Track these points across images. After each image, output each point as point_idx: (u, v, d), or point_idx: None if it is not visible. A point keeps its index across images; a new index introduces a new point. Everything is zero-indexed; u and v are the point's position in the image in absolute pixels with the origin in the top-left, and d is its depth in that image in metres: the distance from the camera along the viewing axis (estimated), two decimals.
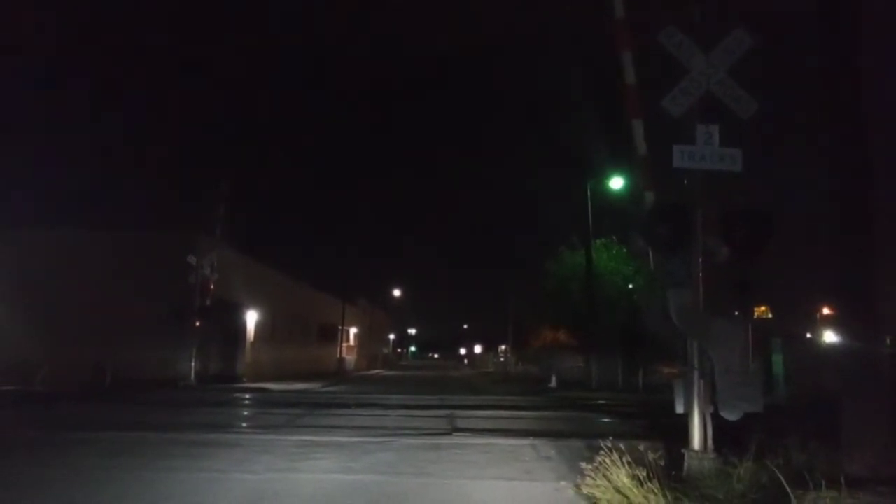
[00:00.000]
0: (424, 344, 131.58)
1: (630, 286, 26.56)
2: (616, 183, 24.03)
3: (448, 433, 10.51)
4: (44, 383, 19.38)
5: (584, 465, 6.04)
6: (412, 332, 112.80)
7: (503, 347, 56.72)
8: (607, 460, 5.79)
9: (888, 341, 8.70)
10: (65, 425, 10.72)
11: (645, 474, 5.45)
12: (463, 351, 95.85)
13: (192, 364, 22.52)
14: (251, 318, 28.91)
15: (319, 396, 20.50)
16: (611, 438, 6.30)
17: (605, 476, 5.66)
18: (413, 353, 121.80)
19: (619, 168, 23.49)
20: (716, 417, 5.97)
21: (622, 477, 5.51)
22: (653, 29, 6.55)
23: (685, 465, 5.92)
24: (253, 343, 28.97)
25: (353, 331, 51.89)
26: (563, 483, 6.36)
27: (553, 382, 25.36)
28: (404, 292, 67.34)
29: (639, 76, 7.14)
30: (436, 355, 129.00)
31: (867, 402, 5.91)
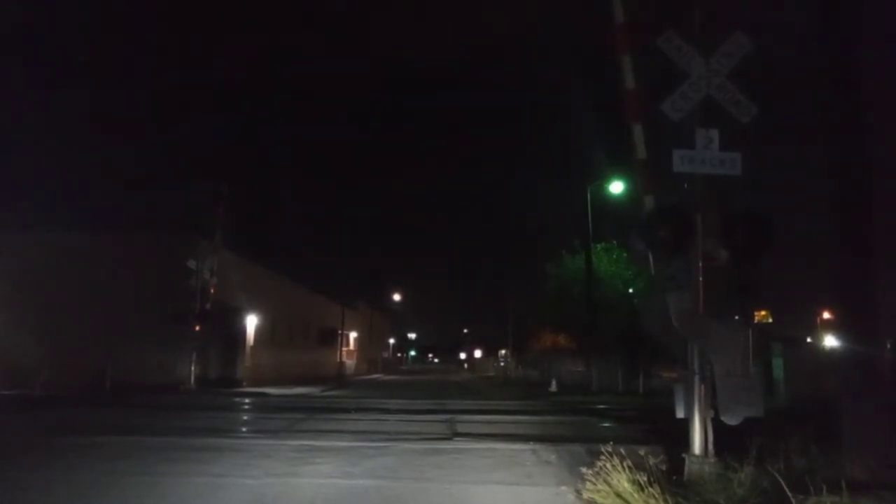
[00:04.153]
0: (424, 348, 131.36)
1: (630, 290, 26.56)
2: (616, 187, 24.12)
3: (448, 438, 10.49)
4: (44, 387, 19.35)
5: (584, 469, 6.04)
6: (412, 336, 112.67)
7: (503, 351, 56.63)
8: (608, 465, 5.78)
9: (888, 345, 8.67)
10: (65, 429, 10.70)
11: (646, 479, 5.44)
12: (463, 355, 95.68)
13: (192, 368, 22.50)
14: (251, 321, 28.89)
15: (319, 401, 20.50)
16: (611, 443, 6.29)
17: (605, 481, 5.65)
18: (413, 357, 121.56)
19: (619, 172, 23.60)
20: (716, 421, 5.96)
21: (623, 482, 5.50)
22: (654, 33, 6.56)
23: (686, 469, 5.91)
24: (253, 347, 28.94)
25: (352, 335, 51.85)
26: (563, 488, 6.34)
27: (553, 386, 25.32)
28: (404, 296, 67.23)
29: (638, 80, 7.14)
30: (436, 359, 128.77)
31: (868, 406, 5.90)
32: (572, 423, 13.75)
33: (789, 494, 4.75)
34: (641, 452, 6.13)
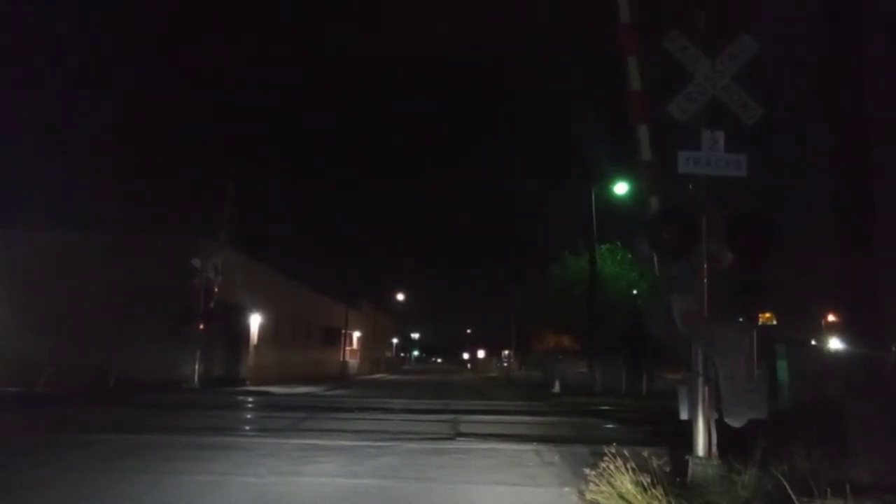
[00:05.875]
0: (427, 348, 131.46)
1: (634, 291, 26.52)
2: (620, 188, 24.12)
3: (451, 438, 10.49)
4: (47, 385, 19.40)
5: (587, 470, 6.02)
6: (415, 336, 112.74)
7: (506, 352, 56.60)
8: (611, 466, 5.76)
9: (894, 347, 8.66)
10: (68, 427, 10.73)
11: (649, 481, 5.43)
12: (466, 355, 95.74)
13: (196, 367, 22.55)
14: (255, 321, 28.94)
15: (322, 400, 20.51)
16: (614, 444, 6.27)
17: (608, 482, 5.64)
18: (416, 357, 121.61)
19: (623, 173, 23.59)
20: (720, 423, 5.94)
21: (626, 483, 5.49)
22: (659, 33, 6.55)
23: (689, 471, 5.90)
24: (256, 346, 28.99)
25: (356, 334, 51.91)
26: (566, 489, 6.34)
27: (556, 387, 25.30)
28: (407, 296, 67.37)
29: (644, 81, 7.13)
30: (439, 360, 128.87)
31: (872, 408, 5.88)
32: (575, 424, 13.72)
33: (793, 497, 4.74)
34: (645, 454, 6.11)
